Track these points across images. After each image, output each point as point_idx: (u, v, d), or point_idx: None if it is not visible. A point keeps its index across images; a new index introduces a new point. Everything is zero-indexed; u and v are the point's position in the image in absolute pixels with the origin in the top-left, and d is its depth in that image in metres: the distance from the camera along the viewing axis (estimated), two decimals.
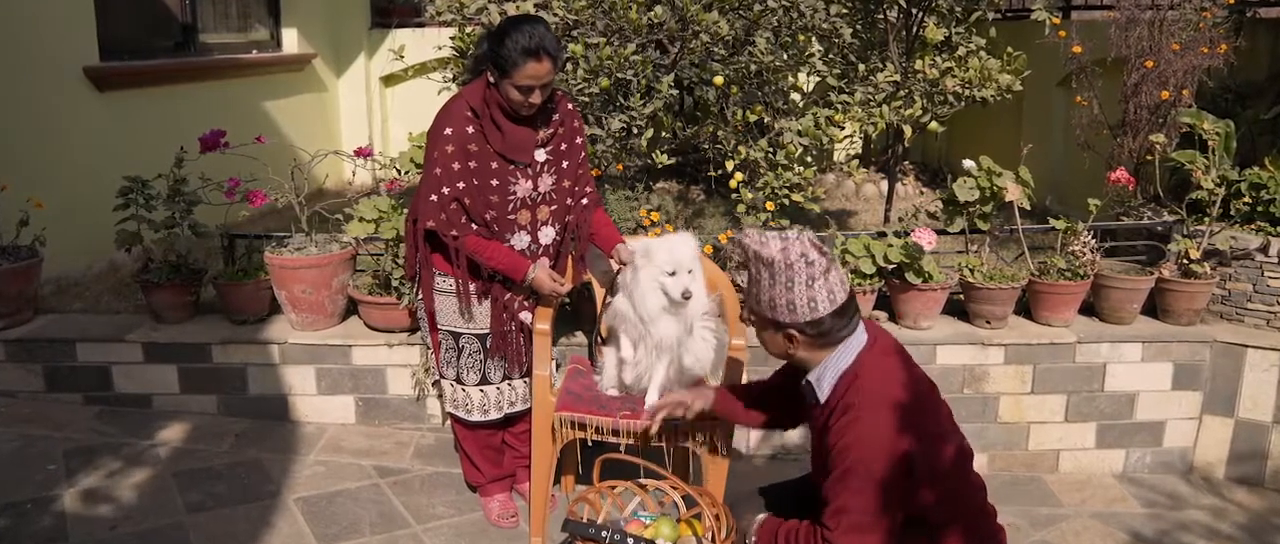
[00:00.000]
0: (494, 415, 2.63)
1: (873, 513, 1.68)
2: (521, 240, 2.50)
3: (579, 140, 2.54)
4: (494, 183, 2.40)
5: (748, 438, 3.23)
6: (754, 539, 1.92)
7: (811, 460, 1.97)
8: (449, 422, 2.83)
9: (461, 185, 2.37)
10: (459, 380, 2.59)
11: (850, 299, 1.81)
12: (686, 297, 2.30)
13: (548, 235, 2.54)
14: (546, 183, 2.49)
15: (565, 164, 2.51)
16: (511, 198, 2.44)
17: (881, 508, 1.68)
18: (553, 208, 2.52)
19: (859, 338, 1.82)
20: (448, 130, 2.35)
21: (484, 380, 2.59)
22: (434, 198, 2.38)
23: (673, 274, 2.32)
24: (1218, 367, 3.28)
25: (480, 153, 2.37)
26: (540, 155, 2.46)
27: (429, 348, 2.67)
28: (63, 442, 3.00)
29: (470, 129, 2.36)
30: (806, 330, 1.78)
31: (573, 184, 2.54)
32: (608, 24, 3.48)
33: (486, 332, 2.54)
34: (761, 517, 1.97)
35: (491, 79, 2.33)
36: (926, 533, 1.82)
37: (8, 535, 2.52)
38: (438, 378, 2.70)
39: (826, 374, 1.81)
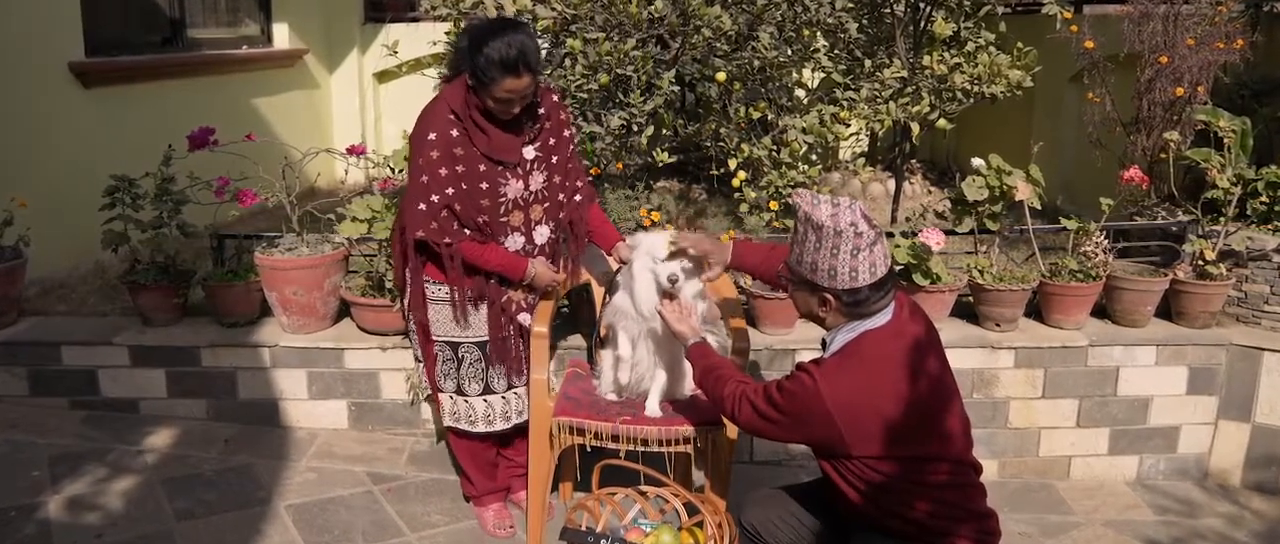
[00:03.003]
0: (500, 426, 2.56)
1: (779, 423, 1.83)
2: (516, 242, 2.44)
3: (567, 133, 2.48)
4: (483, 186, 2.34)
5: (751, 444, 3.17)
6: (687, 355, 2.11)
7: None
8: (447, 434, 2.76)
9: (450, 191, 2.30)
10: (460, 391, 2.52)
11: (889, 273, 1.83)
12: (673, 280, 2.26)
13: (543, 234, 2.48)
14: (537, 181, 2.43)
15: (555, 159, 2.45)
16: (502, 199, 2.38)
17: (785, 427, 1.83)
18: (546, 205, 2.46)
19: (884, 315, 1.83)
20: (431, 136, 2.28)
21: (487, 389, 2.52)
22: (423, 206, 2.30)
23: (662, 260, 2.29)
24: (1234, 370, 3.24)
25: (467, 156, 2.31)
26: (529, 152, 2.40)
27: (420, 361, 2.60)
28: (47, 447, 2.95)
29: (454, 132, 2.29)
30: (843, 298, 1.81)
31: (564, 179, 2.48)
32: (607, 18, 3.44)
33: (485, 338, 2.48)
34: (697, 338, 2.14)
35: (471, 83, 2.26)
36: (933, 539, 1.82)
37: None
38: (429, 393, 2.63)
39: (839, 337, 1.85)
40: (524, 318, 2.50)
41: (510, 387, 2.55)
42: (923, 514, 1.81)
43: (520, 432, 2.65)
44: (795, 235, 1.87)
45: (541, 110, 2.40)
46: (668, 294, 2.28)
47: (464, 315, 2.43)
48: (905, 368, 1.80)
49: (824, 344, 1.93)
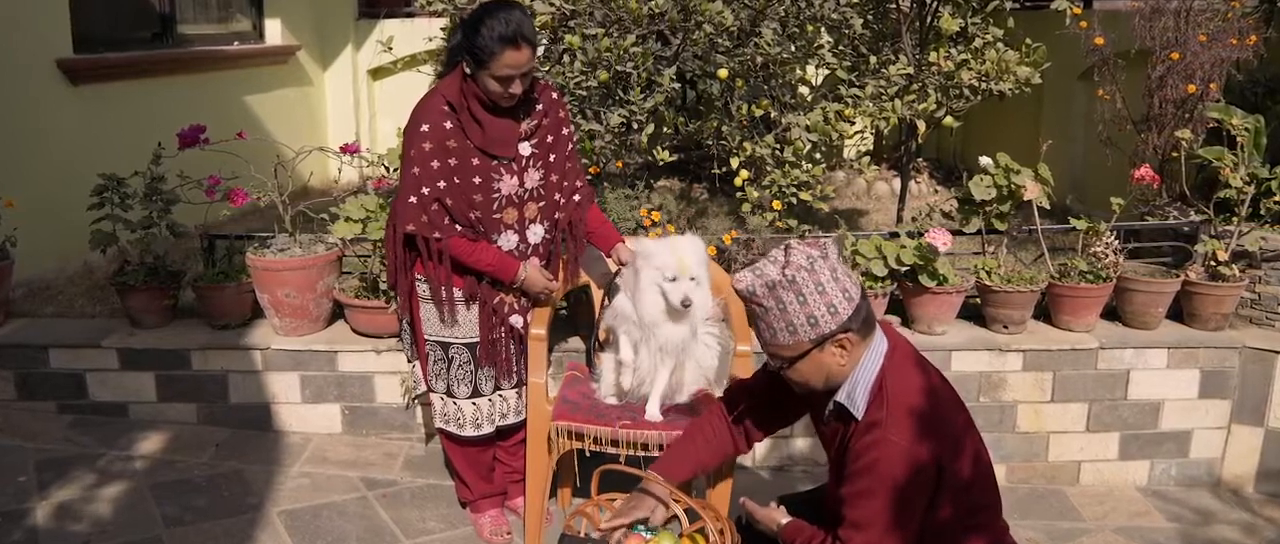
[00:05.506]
0: (486, 429, 2.53)
1: (890, 527, 1.68)
2: (509, 240, 2.39)
3: (566, 130, 2.43)
4: (476, 181, 2.30)
5: (752, 449, 3.13)
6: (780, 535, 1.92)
7: (830, 471, 1.91)
8: (439, 436, 2.72)
9: (442, 185, 2.26)
10: (450, 393, 2.48)
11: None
12: (686, 304, 2.21)
13: (537, 234, 2.44)
14: (533, 178, 2.38)
15: (552, 157, 2.40)
16: (496, 195, 2.34)
17: (899, 524, 1.69)
18: (541, 204, 2.42)
19: (880, 340, 1.76)
20: (424, 127, 2.25)
21: (475, 392, 2.48)
22: (413, 199, 2.27)
23: (674, 280, 2.23)
24: (1247, 374, 3.20)
25: (460, 149, 2.27)
26: (525, 148, 2.35)
27: (413, 361, 2.55)
28: (35, 452, 2.92)
29: (448, 124, 2.26)
30: (854, 323, 1.71)
31: (561, 178, 2.43)
32: (606, 14, 3.40)
33: (475, 340, 2.44)
34: (786, 519, 1.93)
35: (468, 71, 2.24)
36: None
37: None
38: (420, 392, 2.59)
39: (858, 389, 1.75)
40: (515, 320, 2.46)
41: (497, 389, 2.51)
42: (943, 520, 1.74)
43: (518, 432, 2.61)
44: (771, 315, 1.71)
45: (539, 106, 2.36)
46: (675, 311, 2.23)
47: (450, 313, 2.39)
48: (931, 374, 1.76)
49: (841, 410, 1.78)
